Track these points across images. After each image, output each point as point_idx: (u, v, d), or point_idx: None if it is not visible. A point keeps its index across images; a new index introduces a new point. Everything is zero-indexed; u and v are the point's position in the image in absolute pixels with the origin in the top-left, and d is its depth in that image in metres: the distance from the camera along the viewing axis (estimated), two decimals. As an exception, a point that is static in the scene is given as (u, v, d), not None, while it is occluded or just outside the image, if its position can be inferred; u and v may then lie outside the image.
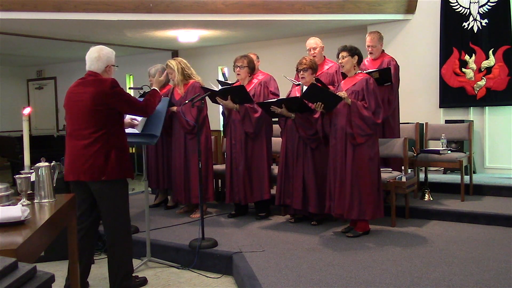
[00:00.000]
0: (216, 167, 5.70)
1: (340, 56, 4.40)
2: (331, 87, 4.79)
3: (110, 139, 3.24)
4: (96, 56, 3.32)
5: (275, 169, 5.12)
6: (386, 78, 4.90)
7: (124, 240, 3.39)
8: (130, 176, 3.39)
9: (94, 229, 3.51)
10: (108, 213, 3.33)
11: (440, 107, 6.86)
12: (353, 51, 4.35)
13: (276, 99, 4.67)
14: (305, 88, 4.48)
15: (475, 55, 6.54)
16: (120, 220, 3.37)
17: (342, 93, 4.24)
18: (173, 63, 5.11)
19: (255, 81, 5.10)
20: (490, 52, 6.43)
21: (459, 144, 6.27)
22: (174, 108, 5.12)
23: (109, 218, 3.34)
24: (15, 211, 2.13)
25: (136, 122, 3.82)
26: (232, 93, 4.89)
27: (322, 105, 4.32)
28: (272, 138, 5.24)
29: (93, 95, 3.21)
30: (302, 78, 4.60)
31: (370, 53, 5.22)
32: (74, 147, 3.27)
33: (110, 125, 3.26)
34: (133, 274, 3.64)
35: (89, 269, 3.52)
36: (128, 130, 3.83)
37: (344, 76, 4.58)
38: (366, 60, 5.32)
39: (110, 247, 3.43)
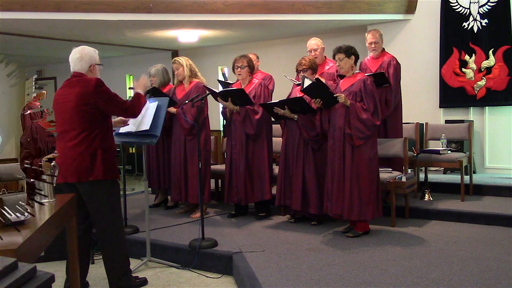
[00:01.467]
0: (216, 167, 5.70)
1: (336, 58, 4.35)
2: (331, 82, 4.79)
3: (96, 139, 3.22)
4: (78, 57, 3.31)
5: (276, 169, 5.11)
6: (382, 81, 4.90)
7: (115, 240, 3.37)
8: (116, 177, 3.36)
9: (90, 230, 3.50)
10: (97, 214, 3.31)
11: (440, 107, 6.86)
12: (349, 51, 4.31)
13: (279, 100, 4.65)
14: (306, 81, 4.44)
15: (475, 55, 6.55)
16: (110, 221, 3.34)
17: (342, 97, 4.21)
18: (181, 58, 5.22)
19: (255, 81, 5.09)
20: (490, 52, 6.43)
21: (459, 144, 6.28)
22: (173, 110, 5.12)
23: (99, 219, 3.32)
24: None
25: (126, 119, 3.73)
26: (232, 95, 4.89)
27: (321, 101, 4.32)
28: (273, 138, 5.24)
29: (78, 95, 3.19)
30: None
31: (374, 49, 5.19)
32: (62, 148, 3.25)
33: (96, 125, 3.23)
34: (133, 274, 3.64)
35: (87, 269, 3.52)
36: (128, 130, 3.82)
37: (341, 77, 4.55)
38: (367, 59, 5.31)
39: (102, 248, 3.43)
